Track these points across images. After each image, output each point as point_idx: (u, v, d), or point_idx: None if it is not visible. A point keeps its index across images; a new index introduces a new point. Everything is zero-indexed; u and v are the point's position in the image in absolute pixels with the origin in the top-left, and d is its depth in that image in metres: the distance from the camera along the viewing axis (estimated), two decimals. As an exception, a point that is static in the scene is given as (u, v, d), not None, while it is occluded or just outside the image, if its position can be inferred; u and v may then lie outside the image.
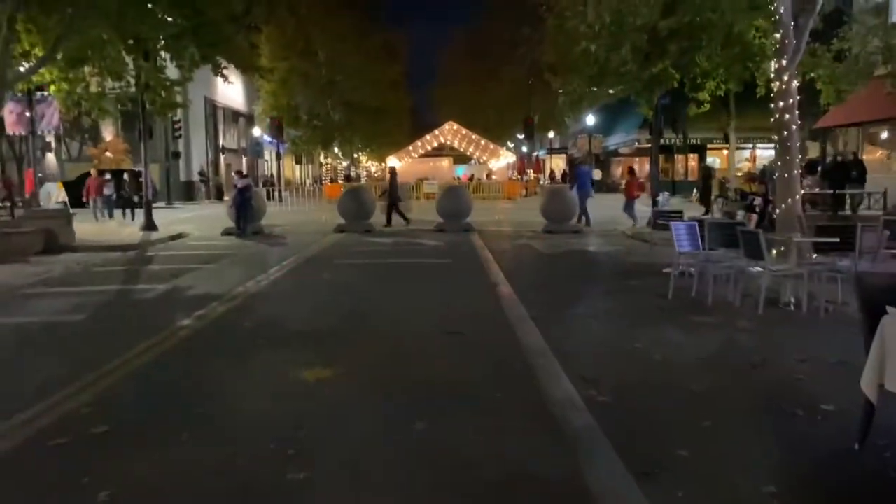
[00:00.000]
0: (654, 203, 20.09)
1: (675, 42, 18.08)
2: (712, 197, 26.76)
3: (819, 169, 22.47)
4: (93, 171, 27.37)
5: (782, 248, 9.69)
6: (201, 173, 43.96)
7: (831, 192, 19.55)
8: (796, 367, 5.97)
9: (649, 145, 44.74)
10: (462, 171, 56.23)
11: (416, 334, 7.31)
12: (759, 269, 8.59)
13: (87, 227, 20.33)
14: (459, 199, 20.27)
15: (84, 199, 25.48)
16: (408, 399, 5.24)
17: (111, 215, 24.90)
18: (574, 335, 7.26)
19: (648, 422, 4.76)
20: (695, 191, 40.06)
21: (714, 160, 46.29)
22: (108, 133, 40.76)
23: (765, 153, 46.00)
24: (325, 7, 47.56)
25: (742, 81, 18.12)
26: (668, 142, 42.75)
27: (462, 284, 10.71)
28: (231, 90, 49.91)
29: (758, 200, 15.84)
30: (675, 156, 45.06)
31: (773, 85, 13.99)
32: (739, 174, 43.20)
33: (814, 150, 28.17)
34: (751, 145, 44.67)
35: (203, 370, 6.09)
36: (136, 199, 25.80)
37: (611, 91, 17.92)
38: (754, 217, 13.04)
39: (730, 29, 16.79)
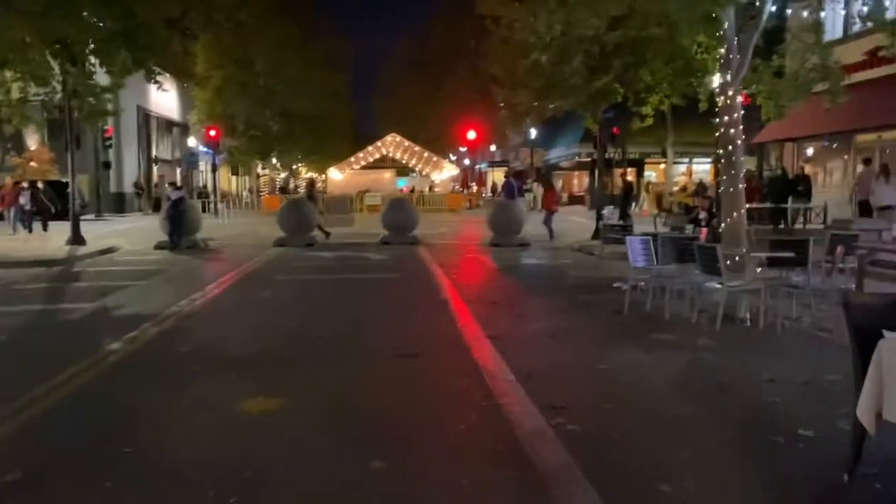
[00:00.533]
0: (599, 216, 20.13)
1: (620, 56, 18.16)
2: (633, 210, 27.46)
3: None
4: (8, 180, 25.89)
5: (733, 262, 9.63)
6: (137, 185, 42.35)
7: (770, 206, 19.92)
8: (766, 389, 5.76)
9: (589, 159, 45.66)
10: (403, 184, 55.71)
11: (368, 357, 6.85)
12: (717, 284, 8.44)
13: (7, 240, 19.11)
14: (405, 212, 19.85)
15: None
16: (362, 433, 4.79)
17: (26, 227, 23.24)
18: (535, 356, 6.92)
19: (625, 453, 4.43)
20: (634, 204, 40.81)
21: (650, 174, 47.27)
22: (32, 142, 38.81)
23: (700, 167, 47.21)
24: (264, 15, 46.54)
25: (685, 96, 18.29)
26: (607, 156, 43.37)
27: (413, 301, 10.29)
28: (165, 99, 48.33)
29: (703, 214, 15.90)
30: (614, 169, 45.66)
31: (717, 100, 14.11)
32: (676, 188, 44.22)
33: (749, 165, 28.79)
34: (687, 160, 45.69)
35: (133, 402, 5.50)
36: (52, 210, 24.41)
37: (554, 105, 17.81)
38: (706, 231, 13.02)
39: (674, 44, 16.93)
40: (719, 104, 13.92)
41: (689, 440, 4.64)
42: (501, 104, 44.65)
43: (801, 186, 19.08)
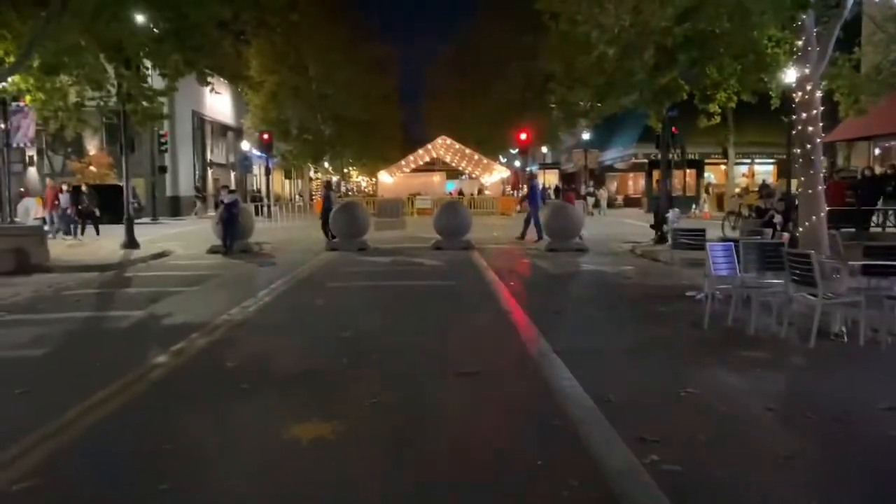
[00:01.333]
0: (664, 220, 19.22)
1: (686, 51, 17.26)
2: (694, 212, 26.39)
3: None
4: (49, 183, 26.08)
5: (823, 270, 8.77)
6: (197, 189, 42.87)
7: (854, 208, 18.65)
8: (888, 420, 4.98)
9: (645, 160, 44.41)
10: (452, 187, 55.03)
11: (427, 375, 6.27)
12: (810, 295, 7.61)
13: (62, 245, 19.22)
14: (458, 216, 19.27)
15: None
16: (426, 468, 4.21)
17: (67, 232, 22.91)
18: (612, 376, 6.24)
19: (740, 502, 3.75)
20: (694, 206, 39.41)
21: (710, 175, 45.70)
22: (91, 147, 39.63)
23: (762, 168, 45.48)
24: (314, 20, 46.74)
25: (754, 93, 17.27)
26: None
27: (470, 311, 9.69)
28: (219, 103, 48.96)
29: (778, 218, 14.94)
30: (673, 170, 44.27)
31: (794, 95, 13.16)
32: (738, 189, 42.61)
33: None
34: (749, 160, 44.08)
35: (174, 426, 5.03)
36: (96, 213, 24.20)
37: (619, 102, 17.01)
38: (787, 237, 12.12)
39: (744, 37, 16.00)
40: (796, 100, 12.98)
41: (813, 487, 3.93)
42: (553, 105, 43.90)
43: (890, 187, 17.75)
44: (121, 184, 35.13)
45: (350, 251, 18.15)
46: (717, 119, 18.48)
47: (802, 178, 12.76)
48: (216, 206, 34.34)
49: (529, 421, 5.02)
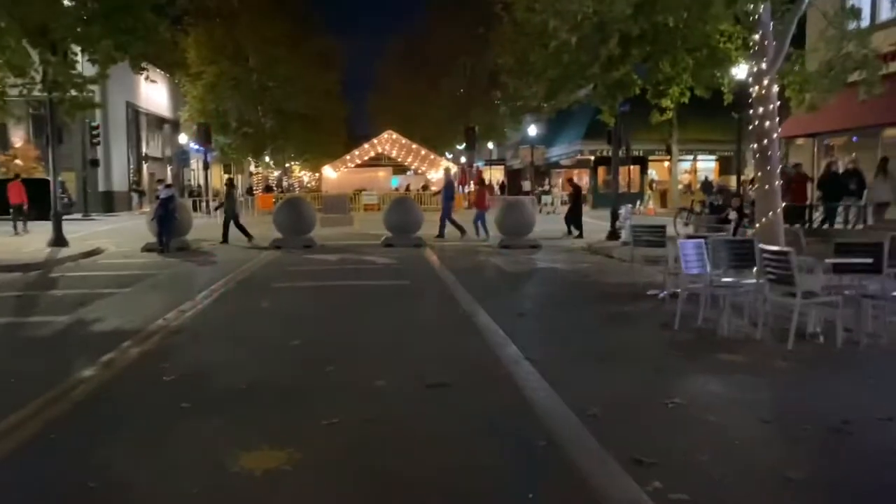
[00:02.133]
0: (615, 216, 19.04)
1: (639, 45, 17.06)
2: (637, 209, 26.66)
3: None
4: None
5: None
6: (135, 183, 41.05)
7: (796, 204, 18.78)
8: (887, 432, 4.65)
9: (591, 156, 44.57)
10: (397, 182, 54.16)
11: (391, 389, 5.68)
12: (790, 295, 7.30)
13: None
14: (409, 212, 18.68)
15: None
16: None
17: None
18: (590, 386, 5.76)
19: (760, 540, 3.30)
20: (638, 202, 39.68)
21: (652, 172, 46.17)
22: (17, 138, 37.45)
23: (704, 165, 46.21)
24: (256, 11, 45.41)
25: (709, 87, 17.17)
26: (609, 153, 42.30)
27: (431, 314, 9.13)
28: (155, 95, 47.05)
29: (733, 214, 14.84)
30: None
31: (751, 90, 13.03)
32: (681, 186, 43.16)
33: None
34: (691, 157, 44.69)
35: (100, 457, 4.30)
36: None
37: (572, 97, 16.67)
38: (749, 233, 11.91)
39: (697, 31, 15.87)
40: (753, 95, 12.85)
41: (835, 516, 3.51)
42: (499, 101, 43.52)
43: (853, 184, 17.88)
44: (49, 178, 33.52)
45: (295, 249, 17.37)
46: (670, 114, 18.36)
47: (759, 174, 12.62)
48: (152, 202, 32.81)
49: (512, 442, 4.48)
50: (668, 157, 42.39)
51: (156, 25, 14.51)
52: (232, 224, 19.21)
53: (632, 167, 44.01)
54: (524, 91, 17.73)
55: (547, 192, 39.08)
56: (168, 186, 17.94)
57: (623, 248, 16.43)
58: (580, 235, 20.28)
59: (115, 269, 13.92)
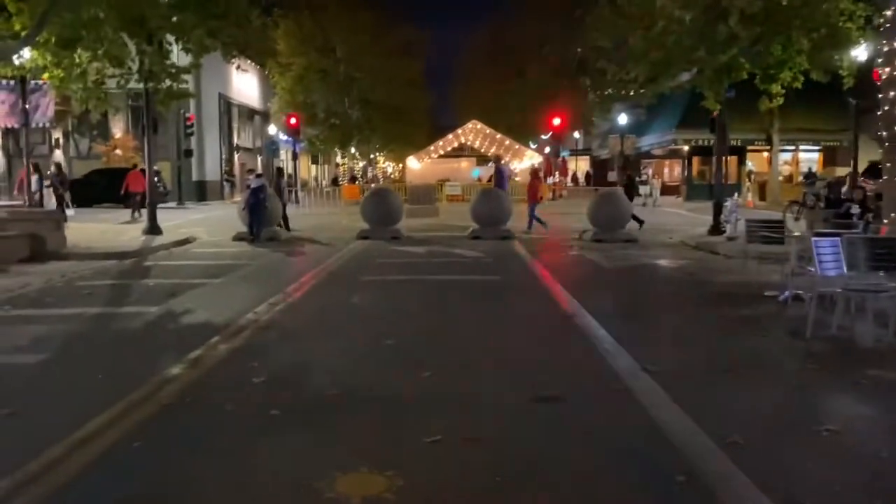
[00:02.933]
0: (719, 209, 17.86)
1: (749, 26, 15.87)
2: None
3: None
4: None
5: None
6: (228, 172, 42.08)
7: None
8: None
9: (686, 146, 42.70)
10: (478, 173, 53.21)
11: (495, 400, 5.12)
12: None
13: (84, 229, 18.36)
14: (499, 203, 18.07)
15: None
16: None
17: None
18: (726, 406, 5.04)
19: None
20: (736, 195, 37.71)
21: (750, 163, 43.86)
22: (117, 129, 38.98)
23: (807, 156, 43.56)
24: (342, 2, 45.67)
25: (828, 71, 15.82)
26: (705, 143, 40.44)
27: (527, 313, 8.52)
28: (246, 87, 48.10)
29: (855, 208, 13.52)
30: (713, 157, 42.49)
31: (882, 72, 11.82)
32: (781, 178, 40.74)
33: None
34: (793, 147, 42.16)
35: (182, 472, 3.93)
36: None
37: (673, 82, 15.63)
38: (885, 229, 10.73)
39: (815, 10, 14.60)
40: (883, 77, 11.64)
41: None
42: (588, 87, 42.00)
43: None
44: (146, 167, 34.64)
45: (382, 240, 17.07)
46: (780, 101, 17.07)
47: (888, 165, 11.43)
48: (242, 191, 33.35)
49: (645, 474, 3.85)
50: (769, 148, 40.03)
51: (247, 12, 14.45)
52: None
53: (729, 158, 42.01)
54: (622, 76, 16.81)
55: (644, 183, 36.67)
56: (259, 176, 17.97)
57: (729, 244, 15.36)
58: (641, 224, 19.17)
59: (206, 258, 13.93)
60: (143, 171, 23.95)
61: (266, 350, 6.64)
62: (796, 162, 43.23)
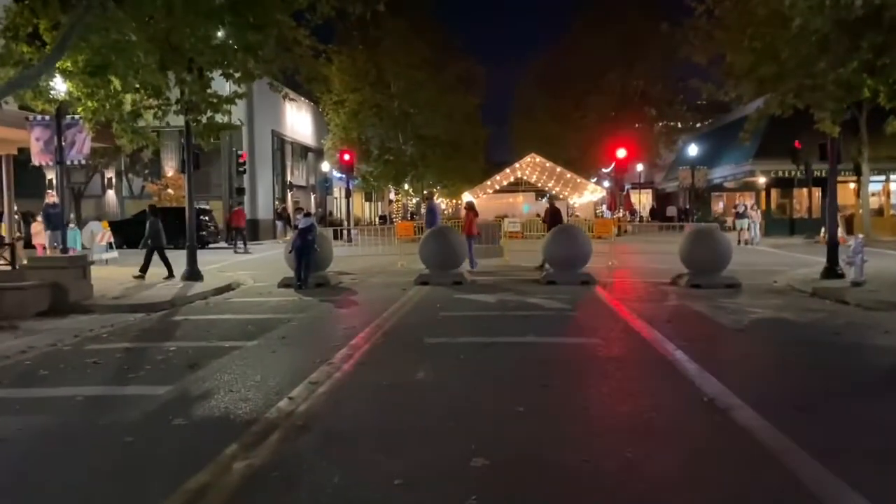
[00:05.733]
0: (834, 248, 15.28)
1: (866, 37, 13.48)
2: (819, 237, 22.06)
3: None
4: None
5: None
6: (280, 211, 40.95)
7: None
8: None
9: (764, 177, 39.71)
10: (528, 208, 50.26)
11: None
12: None
13: (121, 274, 16.84)
14: (576, 243, 15.84)
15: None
16: None
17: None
18: None
19: None
20: (822, 231, 34.54)
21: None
22: (169, 168, 38.26)
23: (897, 187, 40.05)
24: (397, 36, 44.60)
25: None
26: (785, 174, 37.45)
27: (657, 400, 6.24)
28: (300, 124, 47.32)
29: None
30: (794, 190, 39.44)
31: None
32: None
33: None
34: (883, 178, 38.73)
35: None
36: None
37: (787, 101, 13.30)
38: None
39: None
40: None
41: None
42: (655, 115, 39.36)
43: None
44: (199, 206, 33.61)
45: (444, 285, 15.05)
46: (912, 121, 14.51)
47: None
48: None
49: None
50: (856, 178, 36.80)
51: (289, 24, 12.76)
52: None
53: (812, 189, 38.88)
54: (720, 95, 14.56)
55: (741, 216, 31.46)
56: (307, 215, 16.18)
57: (857, 292, 12.85)
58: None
59: (244, 310, 12.10)
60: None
61: (299, 470, 4.58)
62: (887, 193, 39.75)
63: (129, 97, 14.88)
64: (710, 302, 12.33)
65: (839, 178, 37.95)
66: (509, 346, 8.65)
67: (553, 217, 19.71)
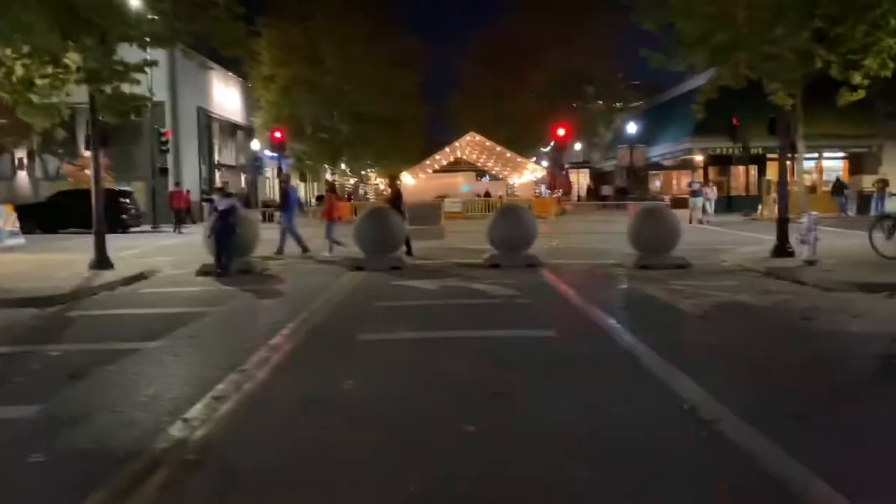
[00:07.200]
0: (785, 228, 14.76)
1: (822, 3, 12.91)
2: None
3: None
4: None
5: None
6: (206, 191, 38.83)
7: None
8: None
9: (701, 155, 39.70)
10: (467, 188, 49.16)
11: None
12: None
13: (24, 262, 15.13)
14: (521, 224, 14.90)
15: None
16: None
17: None
18: None
19: None
20: (759, 206, 34.71)
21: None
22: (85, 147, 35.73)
23: (831, 164, 40.68)
24: (332, 8, 42.77)
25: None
26: (724, 151, 37.43)
27: (627, 408, 5.26)
28: (228, 100, 45.10)
29: None
30: (731, 167, 39.57)
31: None
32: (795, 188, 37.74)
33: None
34: (816, 155, 39.16)
35: None
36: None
37: (740, 71, 12.60)
38: None
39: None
40: None
41: None
42: (593, 94, 38.88)
43: None
44: (120, 188, 31.43)
45: (382, 270, 13.93)
46: (862, 93, 14.04)
47: None
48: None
49: None
50: (791, 156, 36.98)
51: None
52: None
53: (749, 167, 39.07)
54: (672, 65, 13.79)
55: (697, 194, 30.06)
56: (228, 195, 14.74)
57: (813, 271, 12.32)
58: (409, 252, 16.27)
59: (154, 303, 10.73)
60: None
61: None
62: (820, 170, 40.34)
63: (18, 64, 13.18)
64: (663, 284, 11.56)
65: (772, 156, 38.36)
66: (455, 342, 7.60)
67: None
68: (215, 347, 7.65)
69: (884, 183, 32.80)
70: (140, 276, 13.86)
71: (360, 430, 4.89)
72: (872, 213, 32.01)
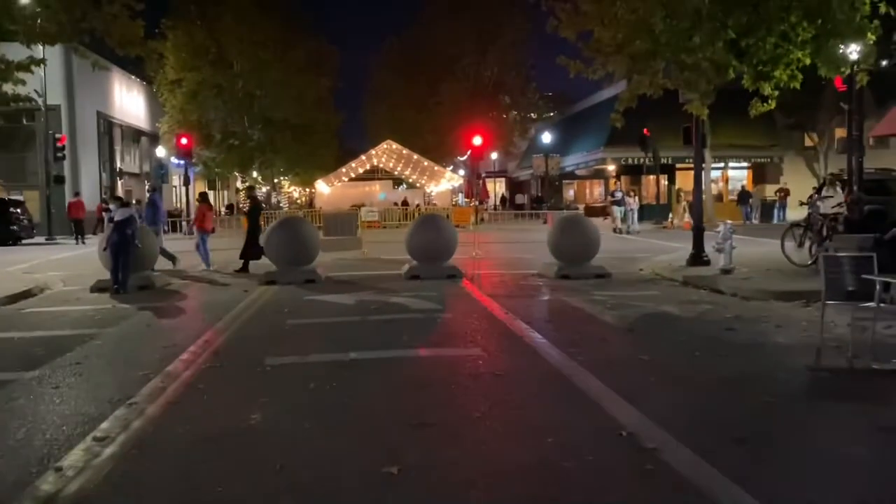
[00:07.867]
0: (701, 236, 14.89)
1: (735, 14, 13.09)
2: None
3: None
4: None
5: None
6: (105, 201, 36.57)
7: None
8: None
9: (613, 165, 40.50)
10: (384, 196, 48.41)
11: None
12: None
13: None
14: (440, 234, 14.47)
15: None
16: None
17: None
18: None
19: None
20: (670, 215, 35.58)
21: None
22: (-30, 153, 33.17)
23: (736, 173, 42.30)
24: (240, 11, 41.48)
25: (836, 66, 13.16)
26: (636, 161, 38.25)
27: (562, 436, 4.83)
28: (131, 105, 42.98)
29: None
30: (642, 177, 40.52)
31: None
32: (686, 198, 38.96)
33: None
34: (722, 165, 40.64)
35: None
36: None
37: (658, 81, 12.60)
38: None
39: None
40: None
41: None
42: (508, 104, 38.96)
43: None
44: (11, 197, 29.23)
45: (294, 284, 13.20)
46: (773, 104, 14.33)
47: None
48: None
49: None
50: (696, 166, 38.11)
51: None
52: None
53: (659, 177, 40.06)
54: (590, 73, 13.68)
55: (619, 203, 29.20)
56: (125, 205, 13.67)
57: (730, 280, 12.39)
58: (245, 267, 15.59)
59: (38, 325, 9.67)
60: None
61: None
62: (726, 179, 41.86)
63: None
64: (585, 295, 11.34)
65: (681, 166, 39.38)
66: (373, 364, 7.03)
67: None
68: (103, 376, 6.79)
69: (785, 192, 34.28)
70: (27, 294, 12.67)
71: (263, 478, 4.25)
72: (775, 221, 33.44)
